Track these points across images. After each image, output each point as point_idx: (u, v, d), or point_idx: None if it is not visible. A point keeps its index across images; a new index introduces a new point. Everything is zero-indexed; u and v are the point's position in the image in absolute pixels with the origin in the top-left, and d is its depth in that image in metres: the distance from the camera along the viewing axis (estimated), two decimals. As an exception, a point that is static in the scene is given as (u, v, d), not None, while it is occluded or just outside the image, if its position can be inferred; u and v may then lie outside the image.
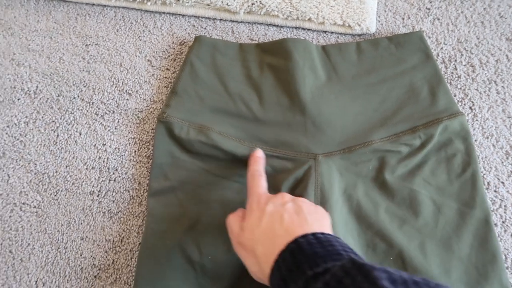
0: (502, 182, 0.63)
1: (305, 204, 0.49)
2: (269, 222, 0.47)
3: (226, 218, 0.53)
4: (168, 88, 0.69)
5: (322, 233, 0.44)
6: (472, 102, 0.67)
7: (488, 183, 0.63)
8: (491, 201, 0.62)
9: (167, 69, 0.70)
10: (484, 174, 0.63)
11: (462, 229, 0.58)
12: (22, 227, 0.63)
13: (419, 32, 0.70)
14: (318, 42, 0.72)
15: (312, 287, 0.37)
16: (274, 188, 0.61)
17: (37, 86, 0.70)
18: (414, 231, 0.58)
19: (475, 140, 0.65)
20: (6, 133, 0.67)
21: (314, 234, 0.44)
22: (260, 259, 0.45)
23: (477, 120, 0.66)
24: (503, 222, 0.60)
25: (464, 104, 0.67)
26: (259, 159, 0.59)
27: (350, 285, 0.34)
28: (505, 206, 0.61)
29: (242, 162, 0.62)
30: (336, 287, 0.35)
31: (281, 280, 0.41)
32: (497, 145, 0.65)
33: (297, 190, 0.60)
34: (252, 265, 0.47)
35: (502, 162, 0.64)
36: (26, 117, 0.68)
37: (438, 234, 0.58)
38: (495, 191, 0.62)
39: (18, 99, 0.69)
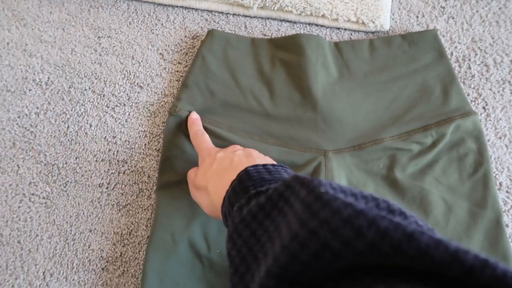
0: (515, 183, 0.62)
1: (255, 152, 0.52)
2: (220, 163, 0.50)
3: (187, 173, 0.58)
4: (180, 81, 0.69)
5: (273, 165, 0.46)
6: (485, 102, 0.66)
7: (500, 184, 0.62)
8: (502, 201, 0.61)
9: (179, 62, 0.70)
10: (496, 174, 0.63)
11: (473, 229, 0.57)
12: (30, 217, 0.63)
13: (433, 30, 0.69)
14: (331, 38, 0.72)
15: (253, 202, 0.38)
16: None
17: (48, 77, 0.69)
18: (424, 230, 0.58)
19: (488, 140, 0.64)
20: (17, 124, 0.67)
21: (264, 165, 0.45)
22: (212, 195, 0.48)
23: (490, 120, 0.66)
24: (514, 223, 0.60)
25: (477, 104, 0.66)
26: (196, 121, 0.62)
27: (290, 196, 0.34)
28: (517, 207, 0.61)
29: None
30: (277, 200, 0.35)
31: (228, 205, 0.43)
32: (510, 145, 0.64)
33: (307, 186, 0.60)
34: (204, 201, 0.51)
35: (515, 163, 0.63)
36: (37, 108, 0.68)
37: (449, 233, 0.57)
38: (507, 191, 0.62)
39: (30, 90, 0.69)
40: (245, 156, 0.50)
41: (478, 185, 0.60)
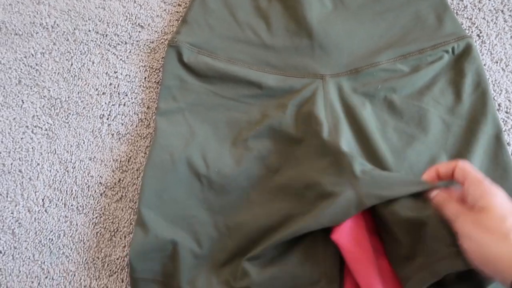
0: (513, 103, 0.59)
1: None
2: None
3: (434, 196, 0.44)
4: (179, 21, 0.68)
5: None
6: (479, 30, 0.63)
7: (499, 105, 0.59)
8: (502, 121, 0.57)
9: (179, 4, 0.68)
10: (495, 96, 0.59)
11: (473, 145, 0.53)
12: (32, 148, 0.61)
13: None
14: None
15: None
16: (280, 106, 0.58)
17: (55, 21, 0.68)
18: (424, 147, 0.54)
19: (484, 65, 0.61)
20: (23, 63, 0.66)
21: None
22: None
23: (485, 46, 0.62)
24: (515, 141, 0.57)
25: (472, 32, 0.63)
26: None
27: None
28: (517, 126, 0.57)
29: (250, 84, 0.60)
30: None
31: None
32: (506, 69, 0.61)
33: (305, 106, 0.57)
34: (488, 248, 0.36)
35: (513, 84, 0.60)
36: (43, 48, 0.67)
37: (448, 150, 0.54)
38: (506, 112, 0.58)
39: (37, 33, 0.68)
40: None
41: (477, 104, 0.56)
